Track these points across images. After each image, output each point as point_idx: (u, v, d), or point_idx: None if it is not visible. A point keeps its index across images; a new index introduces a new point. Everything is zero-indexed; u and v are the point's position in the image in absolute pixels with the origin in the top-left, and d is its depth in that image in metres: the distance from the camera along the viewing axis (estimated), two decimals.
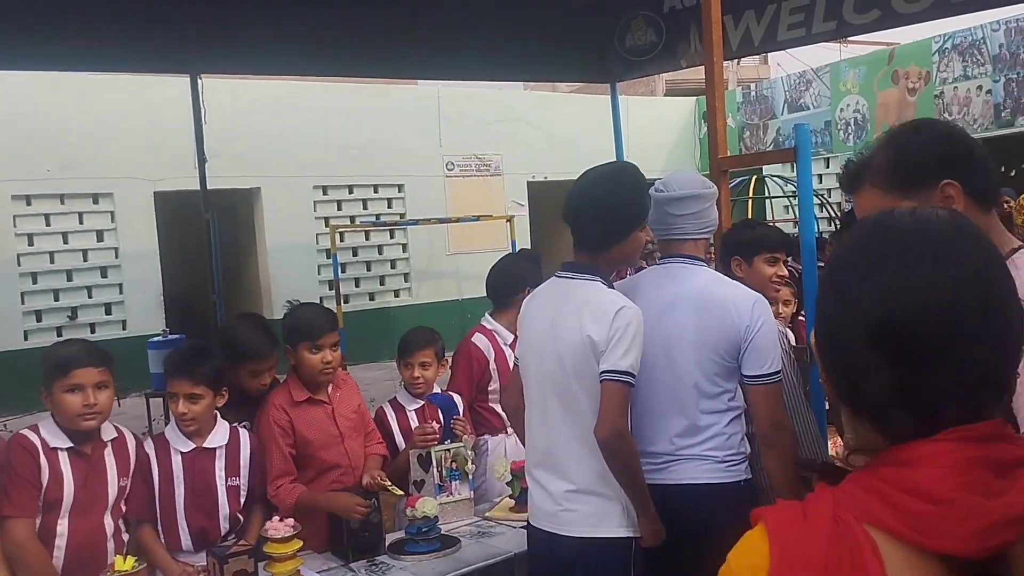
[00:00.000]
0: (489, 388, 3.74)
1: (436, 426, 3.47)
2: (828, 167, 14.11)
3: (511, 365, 3.74)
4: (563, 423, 2.48)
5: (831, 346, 0.95)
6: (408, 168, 13.44)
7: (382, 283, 13.62)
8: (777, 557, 0.88)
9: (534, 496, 2.61)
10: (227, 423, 3.09)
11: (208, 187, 6.94)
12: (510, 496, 3.38)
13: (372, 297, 13.51)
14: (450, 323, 11.33)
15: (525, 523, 3.17)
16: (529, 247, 14.86)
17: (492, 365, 3.73)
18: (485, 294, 3.95)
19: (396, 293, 13.68)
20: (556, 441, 2.51)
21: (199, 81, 6.50)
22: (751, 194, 13.29)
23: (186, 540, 2.92)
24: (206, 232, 7.17)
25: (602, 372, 2.37)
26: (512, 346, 3.81)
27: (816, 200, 13.26)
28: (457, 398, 3.63)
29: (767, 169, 14.55)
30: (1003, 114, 11.48)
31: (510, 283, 3.81)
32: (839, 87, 13.72)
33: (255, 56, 6.16)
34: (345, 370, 3.72)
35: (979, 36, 11.61)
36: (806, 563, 0.86)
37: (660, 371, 2.60)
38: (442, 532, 3.08)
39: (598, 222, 2.50)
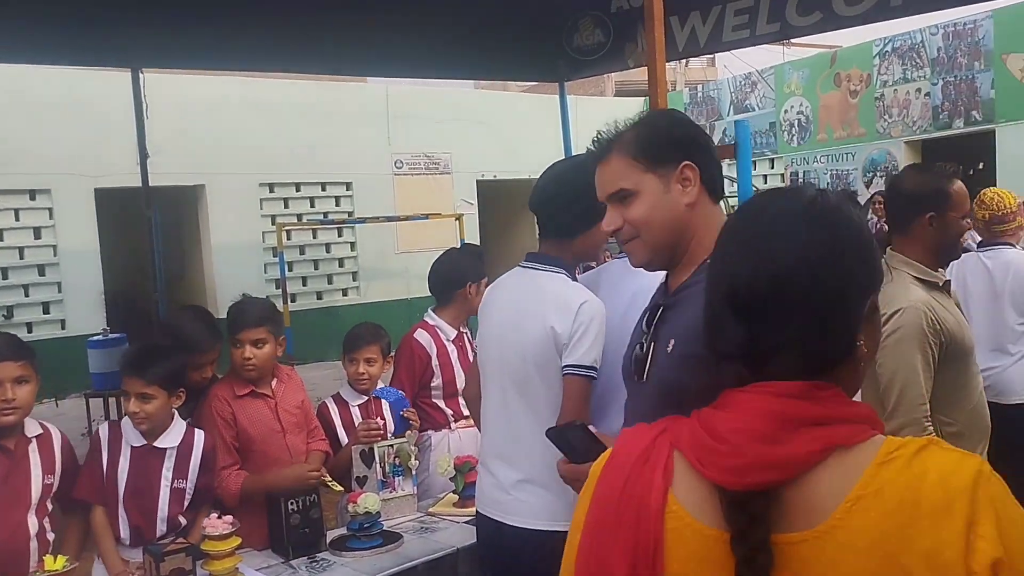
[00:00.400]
0: (432, 384, 3.72)
1: (380, 422, 3.46)
2: (773, 167, 14.33)
3: (453, 361, 3.73)
4: (521, 414, 2.48)
5: (705, 306, 1.10)
6: (356, 166, 13.36)
7: (330, 282, 13.51)
8: (607, 458, 1.10)
9: (484, 484, 2.60)
10: (184, 423, 3.04)
11: (150, 184, 6.82)
12: (454, 492, 3.37)
13: (320, 296, 13.40)
14: (399, 322, 11.24)
15: (469, 518, 3.19)
16: (478, 244, 14.88)
17: (434, 361, 3.72)
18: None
19: (344, 292, 13.59)
20: (512, 431, 2.51)
21: (141, 76, 6.39)
22: None
23: (124, 531, 2.88)
24: (148, 230, 7.05)
25: (565, 366, 2.37)
26: (455, 342, 3.80)
27: None
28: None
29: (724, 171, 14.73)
30: (941, 116, 11.76)
31: (452, 278, 3.80)
32: (783, 89, 13.95)
33: (199, 51, 6.04)
34: (292, 367, 3.69)
35: (918, 40, 11.89)
36: (616, 466, 1.07)
37: (616, 358, 2.60)
38: (384, 528, 3.06)
39: (567, 210, 2.48)
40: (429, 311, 3.88)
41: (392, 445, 3.34)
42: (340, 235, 13.59)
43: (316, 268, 13.37)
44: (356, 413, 3.56)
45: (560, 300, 2.40)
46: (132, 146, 6.80)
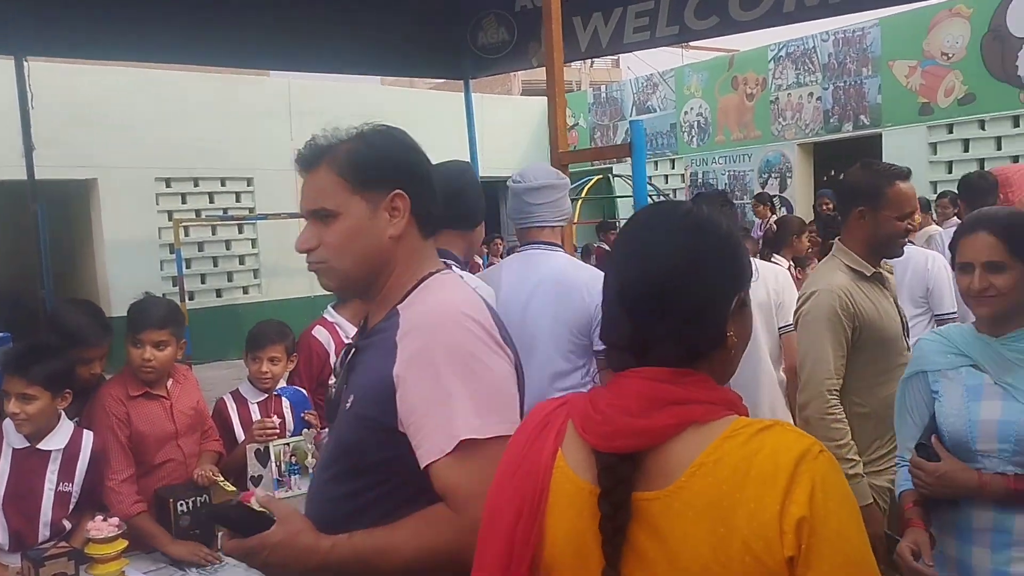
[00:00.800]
0: (330, 382, 3.67)
1: (277, 420, 3.40)
2: (673, 168, 14.65)
3: None
4: None
5: (603, 303, 1.27)
6: (258, 161, 13.09)
7: (230, 279, 13.21)
8: (520, 423, 1.35)
9: None
10: (72, 424, 2.93)
11: (37, 177, 6.57)
12: None
13: (219, 294, 13.08)
14: (302, 320, 11.01)
15: None
16: None
17: (333, 359, 3.67)
18: None
19: (245, 290, 13.30)
20: None
21: (25, 64, 6.14)
22: (584, 195, 13.65)
23: (3, 536, 2.76)
24: (34, 225, 6.79)
25: None
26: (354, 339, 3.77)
27: (663, 199, 13.75)
28: (305, 393, 3.56)
29: (616, 169, 14.99)
30: (831, 120, 12.22)
31: None
32: (683, 91, 14.27)
33: (89, 40, 5.82)
34: (189, 367, 3.59)
35: (810, 46, 12.33)
36: (522, 429, 1.29)
37: (522, 350, 2.68)
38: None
39: (468, 203, 2.66)
40: (329, 308, 3.84)
41: (288, 443, 3.29)
42: (241, 231, 13.30)
43: (215, 265, 13.05)
44: (255, 411, 3.49)
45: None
46: (16, 137, 6.52)
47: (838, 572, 1.04)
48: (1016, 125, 10.25)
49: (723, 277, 1.21)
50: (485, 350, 1.53)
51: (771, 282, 3.60)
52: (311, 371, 3.64)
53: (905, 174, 2.83)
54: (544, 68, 8.41)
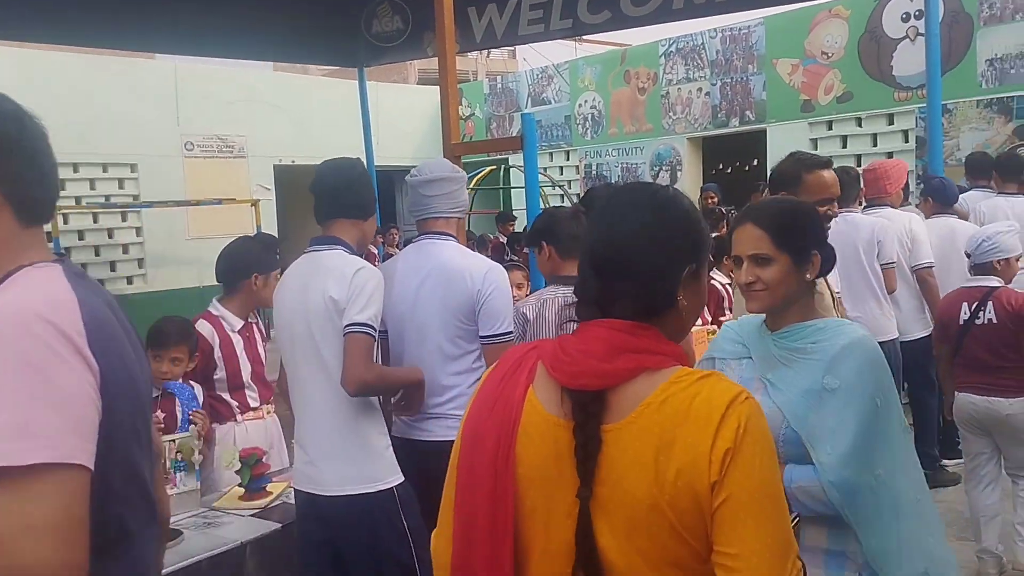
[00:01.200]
0: (215, 376, 3.60)
1: (162, 415, 3.31)
2: (568, 159, 14.82)
3: (239, 352, 3.64)
4: (315, 388, 2.64)
5: (579, 265, 1.47)
6: (142, 147, 12.62)
7: (113, 269, 12.72)
8: (492, 368, 1.52)
9: (297, 461, 2.76)
10: None
11: None
12: (240, 485, 3.28)
13: (102, 284, 12.54)
14: (189, 312, 10.67)
15: (255, 511, 3.13)
16: (276, 232, 14.46)
17: (217, 352, 3.60)
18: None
19: (129, 280, 12.83)
20: (311, 406, 2.66)
21: None
22: (475, 184, 13.72)
23: None
24: None
25: (344, 326, 2.55)
26: (241, 332, 3.70)
27: (558, 190, 13.89)
28: (197, 388, 3.47)
29: (512, 159, 15.06)
30: (719, 115, 12.58)
31: (239, 267, 3.69)
32: (578, 84, 14.44)
33: None
34: None
35: (699, 42, 12.64)
36: (497, 369, 1.49)
37: (411, 335, 2.91)
38: None
39: (361, 194, 2.83)
40: (214, 301, 3.76)
41: (174, 440, 3.21)
42: (124, 220, 12.81)
43: (97, 255, 12.54)
44: None
45: (337, 271, 2.61)
46: None
47: (746, 494, 1.24)
48: (890, 123, 10.74)
49: (677, 249, 1.41)
50: (53, 361, 1.26)
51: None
52: (195, 366, 3.56)
53: (825, 163, 3.09)
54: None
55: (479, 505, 1.38)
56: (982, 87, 9.86)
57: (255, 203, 13.26)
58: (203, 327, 3.61)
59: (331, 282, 2.58)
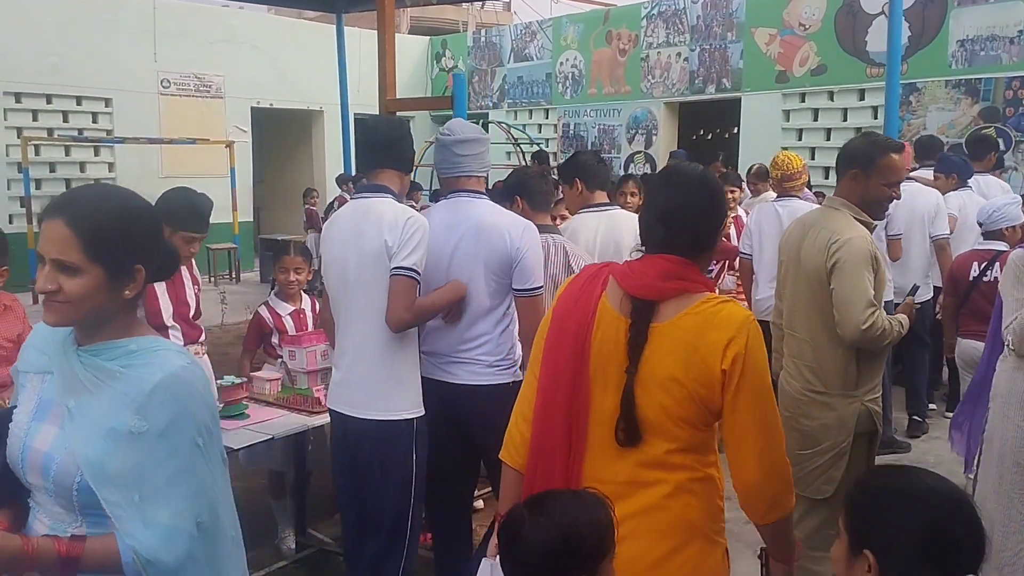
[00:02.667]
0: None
1: None
2: (547, 117, 14.81)
3: (159, 293, 3.73)
4: (361, 321, 2.93)
5: (642, 218, 2.05)
6: (117, 82, 12.56)
7: None
8: (571, 279, 2.11)
9: (333, 384, 3.08)
10: None
11: None
12: None
13: None
14: None
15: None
16: (251, 175, 14.47)
17: (158, 292, 3.69)
18: None
19: None
20: (356, 337, 2.95)
21: None
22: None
23: None
24: None
25: (392, 268, 2.85)
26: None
27: (535, 147, 13.90)
28: None
29: (492, 115, 15.05)
30: (696, 81, 12.59)
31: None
32: (560, 41, 14.39)
33: None
34: (15, 297, 3.53)
35: (680, 6, 12.61)
36: (576, 280, 2.07)
37: (442, 277, 3.13)
38: None
39: (410, 147, 3.15)
40: None
41: None
42: (97, 154, 12.79)
43: (68, 188, 12.52)
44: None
45: (390, 217, 2.89)
46: None
47: (752, 390, 1.85)
48: (862, 98, 10.81)
49: (715, 210, 2.02)
50: None
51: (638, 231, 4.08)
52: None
53: (898, 147, 3.17)
54: (437, 6, 8.41)
55: (563, 364, 1.97)
56: (952, 67, 9.93)
57: (230, 144, 13.24)
58: None
59: (385, 227, 2.87)
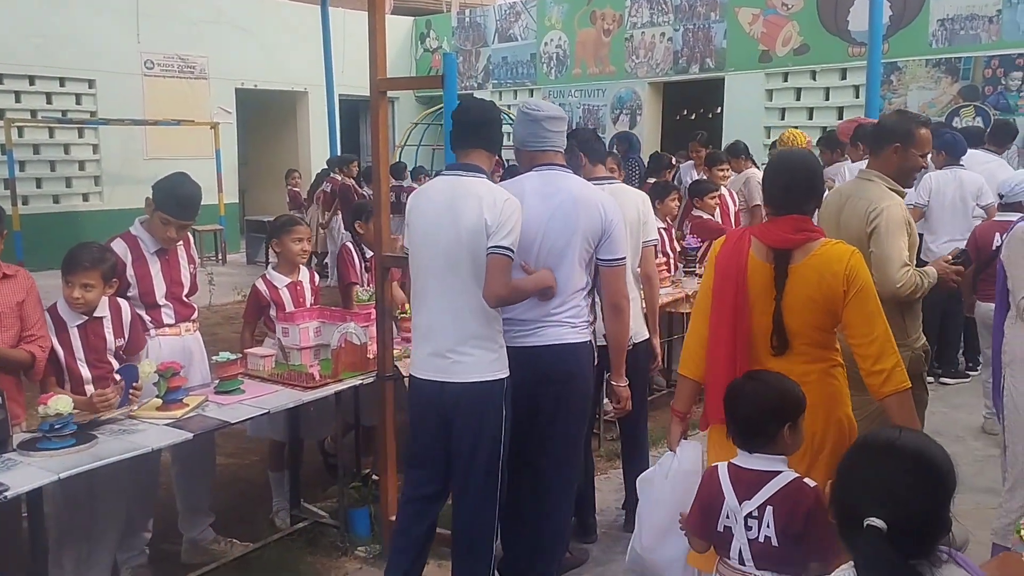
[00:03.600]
0: (128, 293, 3.73)
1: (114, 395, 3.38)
2: (532, 98, 14.85)
3: (154, 273, 3.78)
4: (457, 293, 3.11)
5: (767, 189, 2.88)
6: (101, 63, 12.51)
7: (68, 185, 12.69)
8: (720, 243, 2.90)
9: (420, 354, 3.24)
10: None
11: None
12: (157, 396, 3.45)
13: (56, 200, 12.56)
14: None
15: (170, 421, 3.31)
16: (236, 157, 14.44)
17: (130, 271, 3.73)
18: None
19: (85, 197, 12.82)
20: (451, 309, 3.13)
21: None
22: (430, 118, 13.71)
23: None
24: None
25: (491, 247, 3.03)
26: (158, 254, 3.84)
27: None
28: (124, 305, 3.58)
29: (477, 95, 15.05)
30: (680, 61, 12.66)
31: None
32: (544, 22, 14.41)
33: None
34: (21, 266, 3.55)
35: None
36: (726, 244, 2.87)
37: (541, 256, 3.32)
38: (78, 429, 3.10)
39: (497, 129, 3.37)
40: (136, 222, 3.88)
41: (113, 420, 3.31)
42: (81, 136, 12.75)
43: (53, 170, 12.50)
44: (75, 335, 3.48)
45: (489, 197, 3.08)
46: None
47: (863, 299, 2.63)
48: (843, 77, 10.91)
49: (817, 187, 2.84)
50: None
51: (640, 205, 4.32)
52: (115, 290, 3.68)
53: (928, 122, 3.57)
54: None
55: (729, 300, 2.75)
56: (932, 46, 10.04)
57: (215, 126, 13.22)
58: (118, 246, 3.73)
59: (485, 206, 3.05)
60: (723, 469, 2.36)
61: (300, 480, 4.35)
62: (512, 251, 3.06)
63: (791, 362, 2.67)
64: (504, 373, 3.18)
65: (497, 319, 3.20)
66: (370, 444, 4.46)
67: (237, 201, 14.66)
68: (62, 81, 12.39)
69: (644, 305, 4.30)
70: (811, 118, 11.18)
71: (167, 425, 3.31)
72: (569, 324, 3.34)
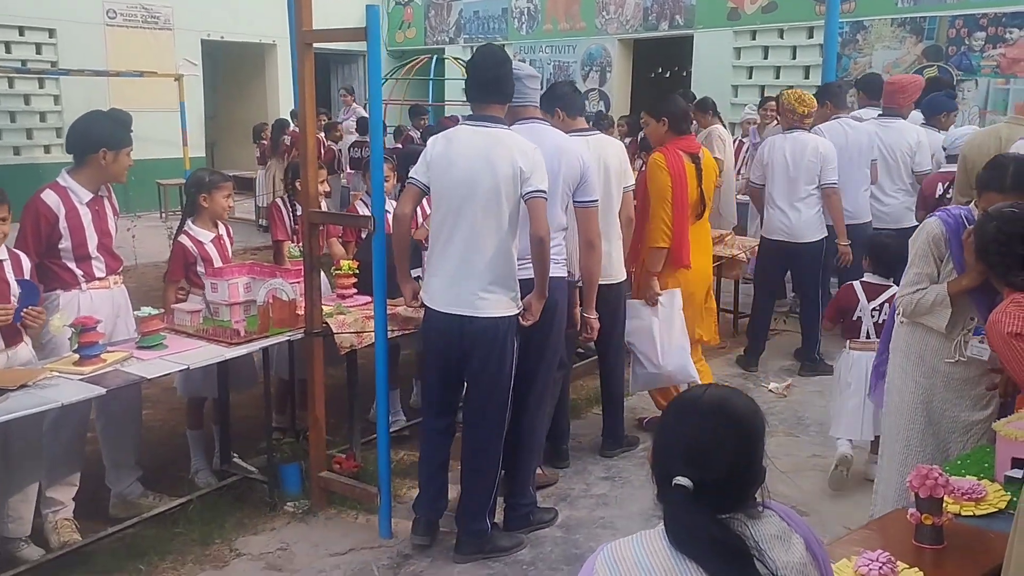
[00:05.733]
0: (60, 246, 3.69)
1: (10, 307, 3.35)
2: None
3: (86, 224, 3.73)
4: (488, 235, 3.40)
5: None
6: (61, 11, 12.27)
7: (29, 136, 12.51)
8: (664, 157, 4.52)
9: (440, 290, 3.50)
10: None
11: None
12: (74, 351, 3.44)
13: (17, 151, 12.39)
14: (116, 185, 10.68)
15: (84, 376, 3.30)
16: (203, 110, 14.25)
17: (62, 223, 3.68)
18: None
19: (47, 149, 12.63)
20: (480, 249, 3.41)
21: None
22: (411, 74, 13.59)
23: None
24: None
25: (529, 192, 3.37)
26: (89, 205, 3.78)
27: None
28: (24, 258, 3.55)
29: (448, 51, 14.90)
30: (650, 18, 12.53)
31: (87, 142, 3.75)
32: None
33: None
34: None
35: None
36: (676, 160, 4.51)
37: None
38: None
39: (509, 81, 3.54)
40: (63, 172, 3.82)
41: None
42: (42, 86, 12.54)
43: (13, 121, 12.31)
44: None
45: (520, 147, 3.41)
46: None
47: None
48: (810, 36, 10.83)
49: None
50: None
51: (620, 154, 4.56)
52: (39, 235, 3.64)
53: None
54: None
55: (682, 189, 4.37)
56: (898, 5, 9.97)
57: (179, 78, 13.02)
58: (49, 197, 3.67)
59: (518, 155, 3.37)
60: (857, 285, 4.35)
61: (229, 436, 4.35)
62: (546, 193, 3.40)
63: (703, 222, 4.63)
64: (518, 309, 3.51)
65: (516, 260, 3.52)
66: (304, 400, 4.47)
67: (204, 155, 14.49)
68: (21, 30, 12.16)
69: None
70: (778, 77, 11.12)
71: (82, 380, 3.30)
72: (552, 260, 3.57)
